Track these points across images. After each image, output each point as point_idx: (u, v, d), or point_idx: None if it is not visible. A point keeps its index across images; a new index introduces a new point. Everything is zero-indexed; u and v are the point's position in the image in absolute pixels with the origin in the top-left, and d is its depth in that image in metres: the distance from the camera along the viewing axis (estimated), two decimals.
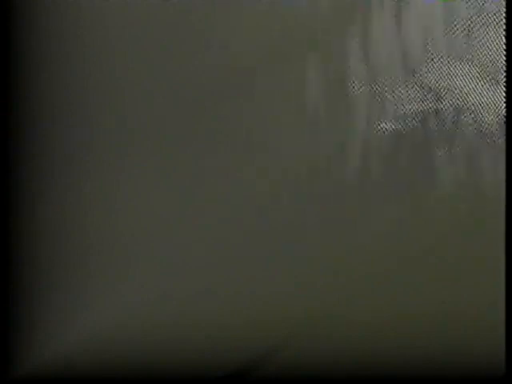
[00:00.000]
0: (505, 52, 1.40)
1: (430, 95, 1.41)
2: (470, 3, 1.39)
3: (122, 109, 1.47)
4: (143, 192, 1.48)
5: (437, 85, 1.41)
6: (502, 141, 1.40)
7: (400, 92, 1.42)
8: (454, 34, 1.39)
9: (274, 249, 1.47)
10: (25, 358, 1.48)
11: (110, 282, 1.49)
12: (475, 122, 1.41)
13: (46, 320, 1.49)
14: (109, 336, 1.48)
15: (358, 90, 1.44)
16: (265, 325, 1.46)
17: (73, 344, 1.48)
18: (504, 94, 1.41)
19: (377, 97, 1.44)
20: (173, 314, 1.48)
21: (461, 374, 1.42)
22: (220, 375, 1.46)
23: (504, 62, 1.40)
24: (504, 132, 1.39)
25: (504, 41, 1.39)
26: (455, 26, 1.40)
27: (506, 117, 1.41)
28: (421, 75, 1.41)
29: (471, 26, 1.39)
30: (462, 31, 1.39)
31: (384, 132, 1.44)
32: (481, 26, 1.39)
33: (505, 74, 1.40)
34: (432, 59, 1.40)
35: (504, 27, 1.39)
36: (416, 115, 1.42)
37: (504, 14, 1.39)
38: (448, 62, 1.40)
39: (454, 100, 1.41)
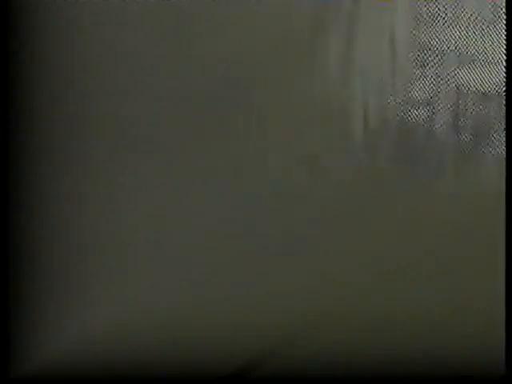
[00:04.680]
0: (505, 51, 1.40)
1: None
2: None
3: (122, 109, 1.47)
4: (143, 192, 1.48)
5: None
6: None
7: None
8: None
9: (274, 249, 1.47)
10: (25, 358, 1.48)
11: (110, 281, 1.49)
12: None
13: (45, 320, 1.49)
14: (109, 336, 1.48)
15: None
16: (265, 325, 1.46)
17: (73, 344, 1.48)
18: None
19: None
20: (173, 314, 1.48)
21: (461, 374, 1.42)
22: (220, 375, 1.46)
23: (504, 62, 1.40)
24: None
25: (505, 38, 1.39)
26: None
27: (506, 117, 1.41)
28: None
29: None
30: None
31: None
32: None
33: (505, 74, 1.40)
34: None
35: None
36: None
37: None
38: None
39: None
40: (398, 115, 1.43)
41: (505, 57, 1.40)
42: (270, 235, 1.48)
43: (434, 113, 1.43)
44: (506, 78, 1.39)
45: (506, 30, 1.39)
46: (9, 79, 1.46)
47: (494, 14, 1.40)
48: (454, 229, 1.44)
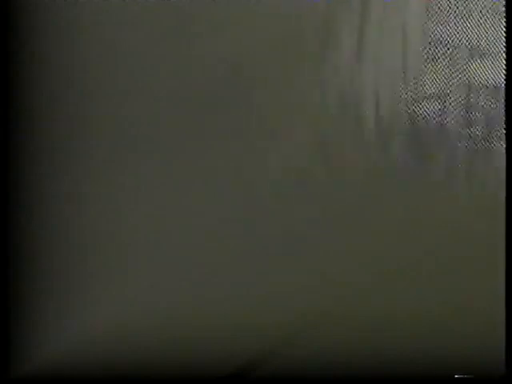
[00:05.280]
0: (505, 51, 1.39)
1: None
2: None
3: (122, 109, 1.47)
4: (143, 192, 1.48)
5: None
6: None
7: None
8: None
9: (274, 249, 1.47)
10: (25, 358, 1.48)
11: (110, 282, 1.49)
12: None
13: (45, 320, 1.49)
14: (109, 336, 1.48)
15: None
16: (265, 325, 1.46)
17: (73, 344, 1.48)
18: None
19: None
20: (173, 314, 1.48)
21: (461, 374, 1.42)
22: (220, 375, 1.46)
23: (504, 60, 1.40)
24: None
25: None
26: None
27: (506, 117, 1.41)
28: None
29: None
30: None
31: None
32: None
33: (505, 73, 1.40)
34: None
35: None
36: None
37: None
38: None
39: None
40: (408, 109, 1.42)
41: (505, 57, 1.40)
42: (270, 235, 1.48)
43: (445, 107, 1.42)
44: (506, 78, 1.39)
45: (506, 30, 1.39)
46: (9, 79, 1.46)
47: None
48: (461, 229, 1.44)
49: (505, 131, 1.42)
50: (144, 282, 1.49)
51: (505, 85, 1.41)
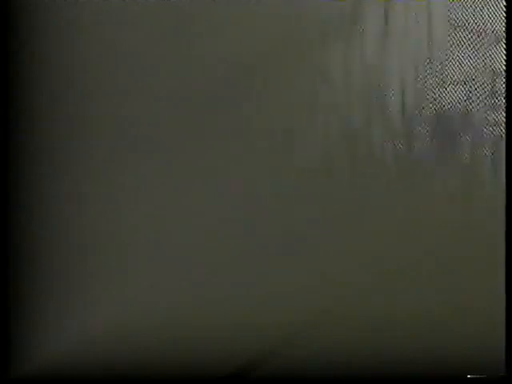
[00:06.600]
0: (505, 51, 1.39)
1: None
2: None
3: (122, 109, 1.47)
4: (143, 192, 1.48)
5: None
6: None
7: None
8: None
9: (274, 249, 1.47)
10: (25, 358, 1.48)
11: (110, 281, 1.49)
12: None
13: (45, 320, 1.49)
14: (109, 336, 1.48)
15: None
16: (265, 325, 1.46)
17: (73, 344, 1.48)
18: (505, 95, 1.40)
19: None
20: (173, 314, 1.48)
21: (461, 374, 1.42)
22: (220, 375, 1.46)
23: (504, 60, 1.40)
24: None
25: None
26: None
27: (506, 118, 1.41)
28: None
29: None
30: None
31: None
32: None
33: (505, 74, 1.40)
34: None
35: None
36: None
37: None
38: None
39: None
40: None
41: (505, 56, 1.40)
42: (270, 235, 1.47)
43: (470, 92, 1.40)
44: (506, 78, 1.39)
45: (506, 30, 1.39)
46: (9, 79, 1.46)
47: None
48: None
49: (505, 130, 1.42)
50: (144, 282, 1.49)
51: (505, 86, 1.41)
